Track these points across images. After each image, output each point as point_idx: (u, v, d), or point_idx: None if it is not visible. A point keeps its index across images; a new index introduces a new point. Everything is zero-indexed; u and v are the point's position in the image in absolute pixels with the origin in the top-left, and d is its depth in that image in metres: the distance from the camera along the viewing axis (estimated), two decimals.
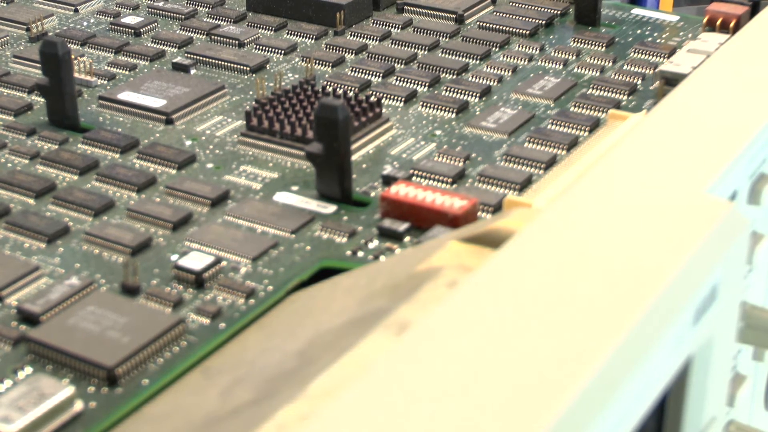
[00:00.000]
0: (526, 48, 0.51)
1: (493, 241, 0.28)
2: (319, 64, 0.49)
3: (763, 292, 0.33)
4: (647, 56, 0.49)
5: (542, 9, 0.55)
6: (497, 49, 0.51)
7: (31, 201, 0.39)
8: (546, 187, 0.37)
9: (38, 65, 0.47)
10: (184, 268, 0.34)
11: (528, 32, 0.52)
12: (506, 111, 0.45)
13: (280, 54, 0.50)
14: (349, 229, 0.36)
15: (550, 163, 0.40)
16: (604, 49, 0.51)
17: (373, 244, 0.36)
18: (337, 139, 0.37)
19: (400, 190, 0.36)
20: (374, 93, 0.46)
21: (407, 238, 0.36)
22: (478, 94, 0.46)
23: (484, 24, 0.53)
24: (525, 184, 0.39)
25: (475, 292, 0.23)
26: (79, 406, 0.28)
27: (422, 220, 0.36)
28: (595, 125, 0.43)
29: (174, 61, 0.49)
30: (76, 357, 0.30)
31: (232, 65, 0.49)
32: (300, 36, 0.52)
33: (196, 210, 0.38)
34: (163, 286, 0.34)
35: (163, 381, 0.30)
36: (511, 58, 0.50)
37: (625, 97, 0.46)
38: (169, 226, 0.37)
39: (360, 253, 0.35)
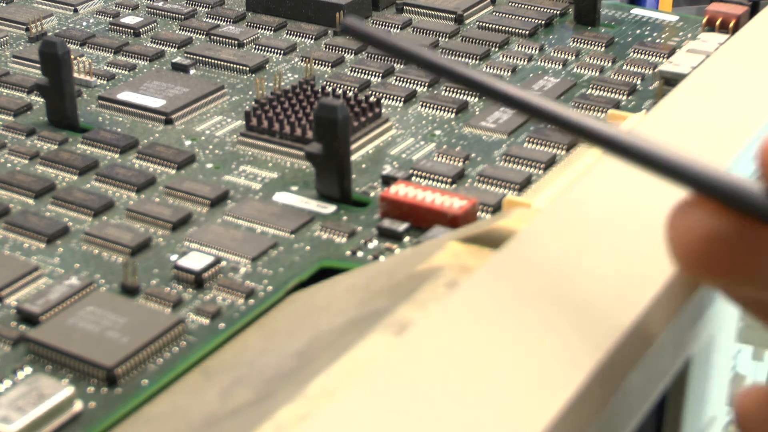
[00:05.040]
0: (525, 48, 0.51)
1: (492, 241, 0.28)
2: (318, 64, 0.49)
3: None
4: (647, 56, 0.50)
5: (542, 9, 0.55)
6: (497, 49, 0.51)
7: (31, 201, 0.39)
8: (545, 187, 0.37)
9: (38, 65, 0.47)
10: (184, 268, 0.34)
11: (527, 32, 0.52)
12: (506, 111, 0.45)
13: (280, 54, 0.50)
14: (349, 229, 0.36)
15: (550, 163, 0.40)
16: (603, 49, 0.51)
17: (373, 244, 0.36)
18: (337, 139, 0.37)
19: (399, 190, 0.36)
20: (374, 93, 0.46)
21: (407, 238, 0.36)
22: (477, 94, 0.46)
23: (484, 24, 0.53)
24: (524, 184, 0.39)
25: (474, 293, 0.23)
26: (78, 406, 0.28)
27: (422, 220, 0.36)
28: None
29: (173, 61, 0.49)
30: (76, 357, 0.30)
31: (232, 65, 0.49)
32: (299, 36, 0.52)
33: (196, 210, 0.38)
34: (162, 286, 0.34)
35: (163, 381, 0.29)
36: (510, 58, 0.50)
37: (625, 97, 0.46)
38: (169, 226, 0.37)
39: (359, 253, 0.35)
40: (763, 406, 0.22)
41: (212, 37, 0.52)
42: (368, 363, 0.23)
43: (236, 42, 0.51)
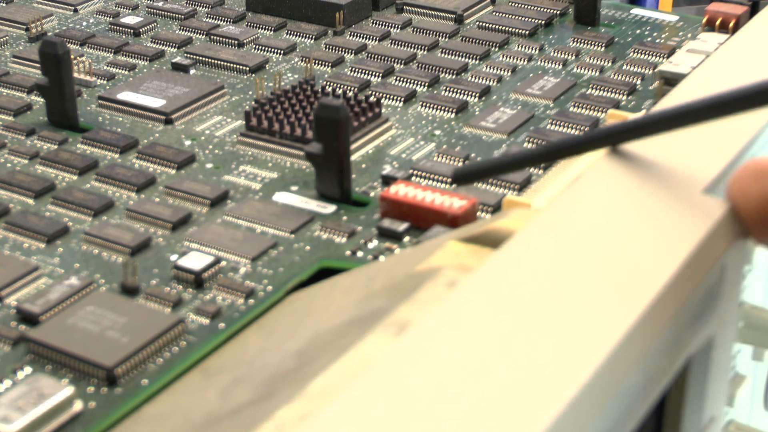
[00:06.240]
0: (525, 48, 0.51)
1: (492, 241, 0.28)
2: (318, 64, 0.49)
3: (763, 292, 0.33)
4: (646, 56, 0.50)
5: (541, 9, 0.55)
6: (496, 49, 0.51)
7: (31, 201, 0.39)
8: (545, 187, 0.37)
9: (38, 65, 0.47)
10: (184, 268, 0.34)
11: (527, 32, 0.52)
12: (505, 111, 0.45)
13: (280, 54, 0.50)
14: (349, 229, 0.36)
15: (550, 163, 0.40)
16: (603, 49, 0.51)
17: (373, 244, 0.36)
18: (337, 139, 0.37)
19: (399, 190, 0.36)
20: (374, 93, 0.46)
21: (407, 238, 0.36)
22: (477, 94, 0.46)
23: (484, 24, 0.53)
24: (524, 184, 0.39)
25: (474, 292, 0.23)
26: (78, 406, 0.28)
27: (422, 220, 0.36)
28: (594, 125, 0.43)
29: (173, 61, 0.49)
30: (76, 357, 0.30)
31: (232, 65, 0.49)
32: (299, 36, 0.52)
33: (196, 210, 0.38)
34: (162, 286, 0.34)
35: (163, 381, 0.30)
36: (510, 58, 0.50)
37: (625, 97, 0.46)
38: (169, 226, 0.37)
39: (359, 253, 0.35)
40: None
41: (212, 37, 0.52)
42: (368, 363, 0.23)
43: (236, 42, 0.51)
